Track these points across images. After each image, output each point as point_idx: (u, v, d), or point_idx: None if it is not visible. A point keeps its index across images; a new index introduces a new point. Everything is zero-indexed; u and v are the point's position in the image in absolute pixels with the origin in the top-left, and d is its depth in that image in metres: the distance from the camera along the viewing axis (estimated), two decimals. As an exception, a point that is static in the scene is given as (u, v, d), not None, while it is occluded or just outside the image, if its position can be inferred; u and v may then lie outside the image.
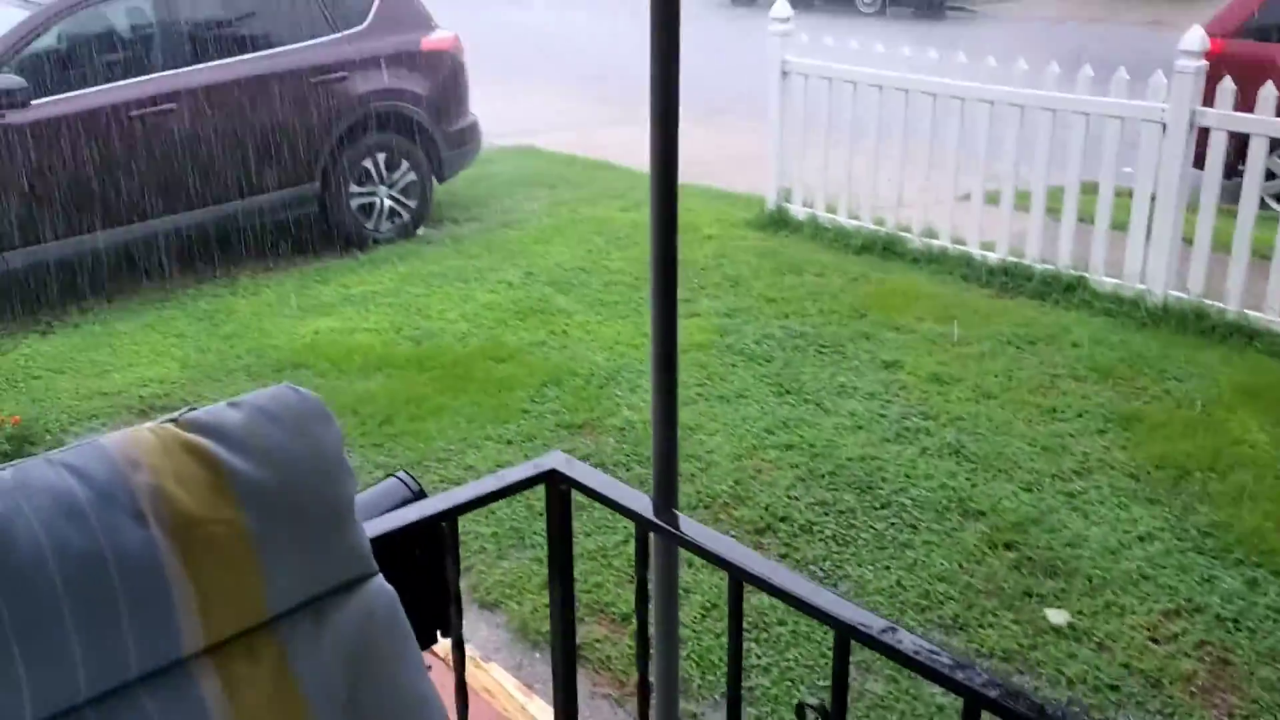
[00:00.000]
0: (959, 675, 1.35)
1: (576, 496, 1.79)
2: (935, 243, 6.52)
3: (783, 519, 3.88)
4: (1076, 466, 4.21)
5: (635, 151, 9.37)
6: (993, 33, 19.20)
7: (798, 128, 7.01)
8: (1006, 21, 20.71)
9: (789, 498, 4.01)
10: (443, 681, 1.51)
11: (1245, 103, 5.34)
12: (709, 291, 6.03)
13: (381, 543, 1.49)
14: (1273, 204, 7.34)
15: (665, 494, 1.69)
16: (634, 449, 4.37)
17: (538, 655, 3.23)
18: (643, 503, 1.70)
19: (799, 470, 4.19)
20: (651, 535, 1.70)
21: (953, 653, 1.43)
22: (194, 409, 1.32)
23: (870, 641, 1.43)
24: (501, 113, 9.91)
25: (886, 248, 6.62)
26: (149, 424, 1.30)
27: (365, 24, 7.00)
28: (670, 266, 1.66)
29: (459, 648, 1.79)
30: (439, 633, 1.76)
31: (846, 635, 1.46)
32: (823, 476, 4.14)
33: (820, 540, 3.76)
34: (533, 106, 11.69)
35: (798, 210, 7.18)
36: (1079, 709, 2.94)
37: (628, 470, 4.23)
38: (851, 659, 1.51)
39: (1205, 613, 3.37)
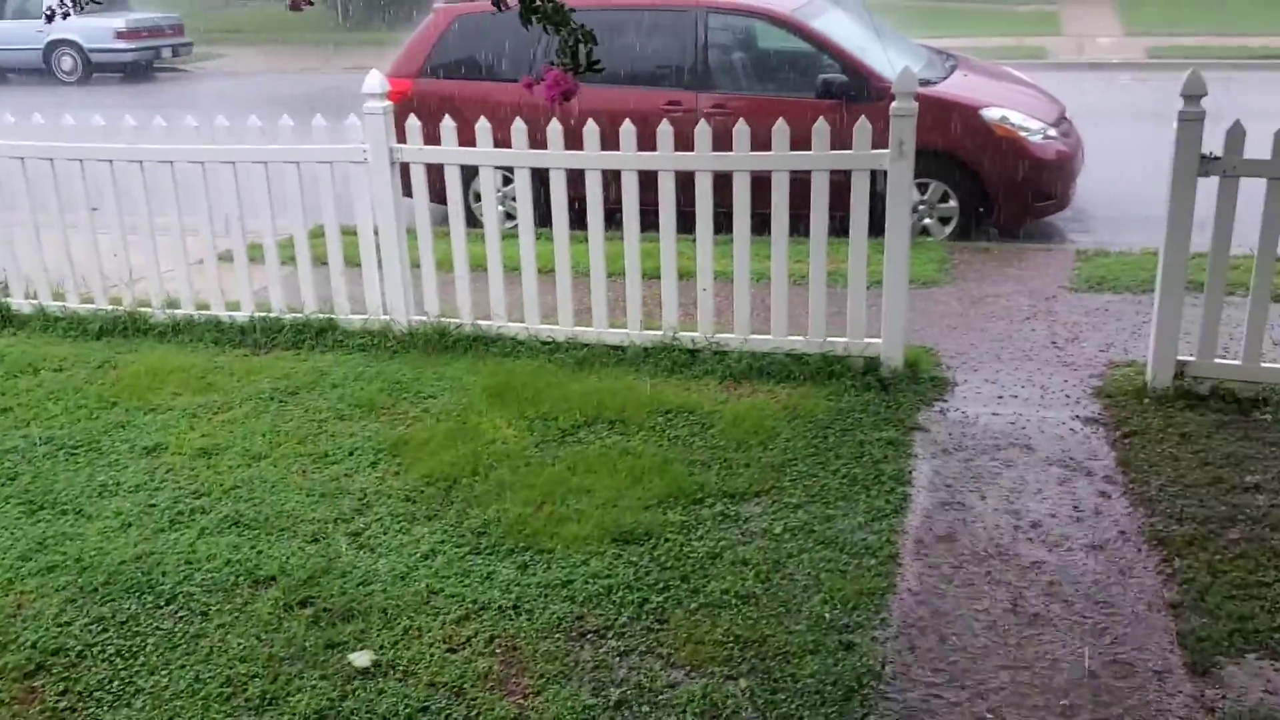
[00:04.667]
0: None
1: None
2: (180, 312, 6.29)
3: (55, 652, 3.47)
4: (356, 505, 4.29)
5: None
6: (204, 89, 19.08)
7: (-1, 215, 6.38)
8: (219, 78, 20.72)
9: (59, 625, 3.60)
10: None
11: (439, 136, 5.75)
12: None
13: None
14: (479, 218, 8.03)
15: None
16: None
17: None
18: None
19: (67, 592, 3.79)
20: None
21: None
22: None
23: None
24: None
25: (129, 327, 6.26)
26: None
27: None
28: None
29: None
30: None
31: None
32: (95, 590, 3.79)
33: (103, 661, 3.43)
34: None
35: (20, 304, 6.54)
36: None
37: None
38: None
39: (490, 609, 3.60)
